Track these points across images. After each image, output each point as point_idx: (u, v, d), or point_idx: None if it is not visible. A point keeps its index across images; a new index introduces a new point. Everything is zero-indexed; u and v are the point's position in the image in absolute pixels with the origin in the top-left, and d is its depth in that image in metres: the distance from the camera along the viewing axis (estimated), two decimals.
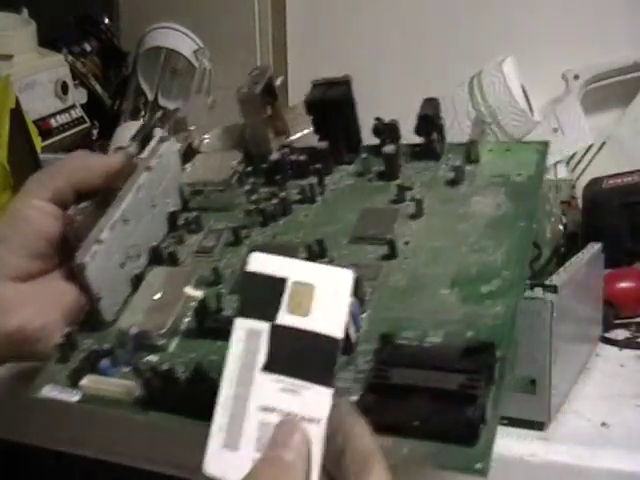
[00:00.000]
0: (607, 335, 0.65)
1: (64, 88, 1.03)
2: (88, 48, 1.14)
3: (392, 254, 0.37)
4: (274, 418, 0.30)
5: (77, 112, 1.06)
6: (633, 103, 0.88)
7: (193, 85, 1.14)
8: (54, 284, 0.41)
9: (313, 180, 0.41)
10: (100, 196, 0.40)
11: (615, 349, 0.64)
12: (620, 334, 0.66)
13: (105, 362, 0.37)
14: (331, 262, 0.36)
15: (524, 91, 0.90)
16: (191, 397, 0.34)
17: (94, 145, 1.12)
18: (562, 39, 0.93)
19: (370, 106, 1.05)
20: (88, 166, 0.40)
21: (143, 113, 1.13)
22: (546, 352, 0.50)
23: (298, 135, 0.97)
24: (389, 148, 0.40)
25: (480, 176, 0.38)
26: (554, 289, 0.50)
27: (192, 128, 0.42)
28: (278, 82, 0.41)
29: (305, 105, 0.41)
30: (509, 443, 0.49)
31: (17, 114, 0.80)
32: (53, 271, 0.41)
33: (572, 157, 0.87)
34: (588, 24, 0.92)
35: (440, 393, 0.32)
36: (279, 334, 0.31)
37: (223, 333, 0.32)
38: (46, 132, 1.00)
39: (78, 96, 1.08)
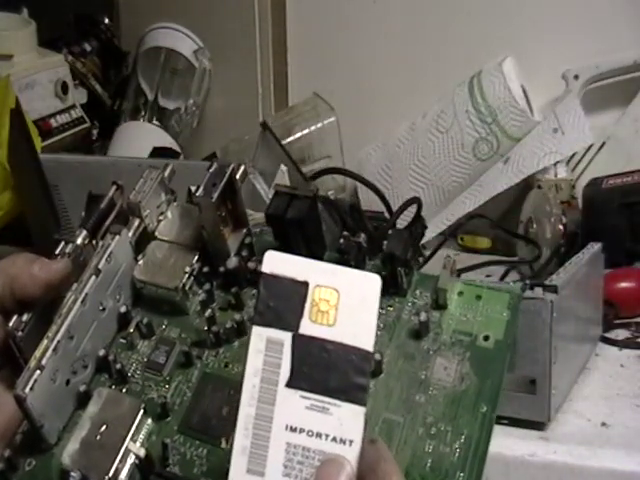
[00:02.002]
0: (607, 335, 0.65)
1: (64, 88, 1.03)
2: (88, 48, 1.14)
3: None
4: (302, 439, 0.28)
5: (77, 112, 1.06)
6: (633, 103, 0.88)
7: (193, 85, 1.14)
8: None
9: None
10: (42, 306, 0.37)
11: (615, 349, 0.64)
12: (620, 334, 0.66)
13: None
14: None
15: (524, 91, 0.90)
16: None
17: (94, 145, 1.12)
18: (562, 39, 0.93)
19: (370, 105, 1.05)
20: (32, 275, 0.37)
21: (143, 113, 1.13)
22: (546, 352, 0.50)
23: (305, 132, 0.98)
24: None
25: (446, 328, 0.36)
26: (554, 289, 0.50)
27: (146, 213, 0.39)
28: (240, 172, 0.38)
29: (265, 217, 0.38)
30: (509, 443, 0.50)
31: (17, 114, 0.79)
32: None
33: (572, 157, 0.87)
34: (588, 24, 0.92)
35: None
36: (303, 345, 0.29)
37: None
38: (46, 132, 1.00)
39: (78, 96, 1.08)
